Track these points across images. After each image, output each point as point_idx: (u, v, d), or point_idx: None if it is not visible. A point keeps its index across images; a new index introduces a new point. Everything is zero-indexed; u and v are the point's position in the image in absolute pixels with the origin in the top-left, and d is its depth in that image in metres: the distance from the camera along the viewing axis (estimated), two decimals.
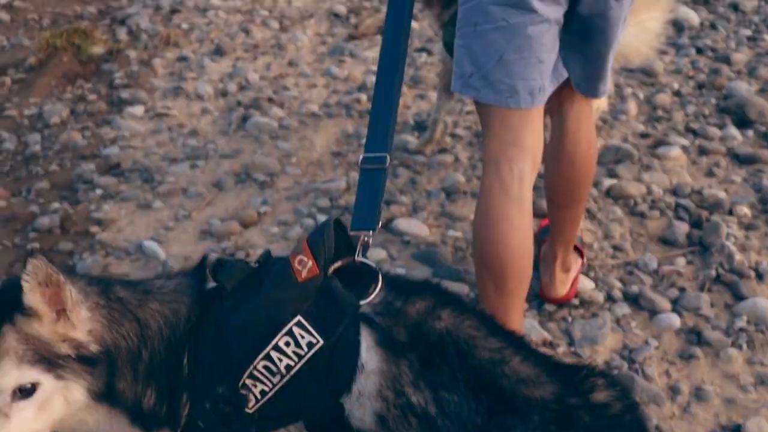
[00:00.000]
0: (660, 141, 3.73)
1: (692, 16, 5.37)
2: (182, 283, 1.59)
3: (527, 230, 2.05)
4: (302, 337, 1.43)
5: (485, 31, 1.93)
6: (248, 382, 1.45)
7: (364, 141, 3.49)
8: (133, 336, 1.49)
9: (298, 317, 1.43)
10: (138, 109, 4.23)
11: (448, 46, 2.77)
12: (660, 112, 4.07)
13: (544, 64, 1.98)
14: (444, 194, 3.35)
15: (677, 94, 4.31)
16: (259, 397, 1.46)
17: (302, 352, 1.43)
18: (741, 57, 4.73)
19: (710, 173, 3.50)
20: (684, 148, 3.66)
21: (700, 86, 4.40)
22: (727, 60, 4.68)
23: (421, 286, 1.58)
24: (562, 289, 2.62)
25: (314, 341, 1.43)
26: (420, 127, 3.91)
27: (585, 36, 2.06)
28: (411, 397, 1.41)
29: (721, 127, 3.86)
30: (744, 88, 4.21)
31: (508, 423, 1.34)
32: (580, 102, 2.31)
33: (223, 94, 4.43)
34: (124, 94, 4.43)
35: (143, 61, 5.03)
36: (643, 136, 3.82)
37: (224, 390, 1.45)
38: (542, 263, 2.64)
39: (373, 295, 1.47)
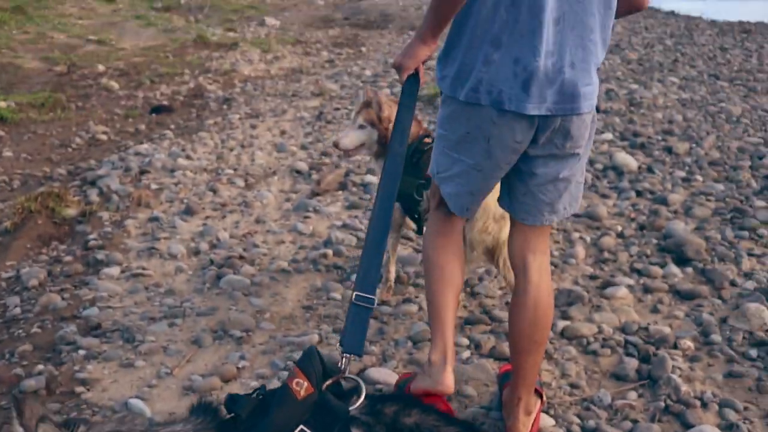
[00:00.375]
0: (607, 282, 4.02)
1: (630, 162, 5.86)
2: (202, 421, 1.83)
3: (456, 261, 2.81)
4: None
5: (444, 155, 2.61)
6: None
7: (332, 294, 3.74)
8: None
9: (301, 426, 1.75)
10: (114, 270, 4.40)
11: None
12: (606, 254, 4.40)
13: (475, 197, 2.65)
14: (411, 342, 3.54)
15: (621, 236, 4.67)
16: None
17: None
18: (677, 197, 5.17)
19: (655, 310, 3.77)
20: (630, 288, 3.95)
21: (641, 227, 4.78)
22: (664, 201, 5.12)
23: (394, 395, 2.13)
24: (524, 430, 2.76)
25: None
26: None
27: (533, 172, 2.50)
28: None
29: (663, 265, 4.19)
30: (681, 227, 4.59)
31: None
32: (541, 255, 2.65)
33: (196, 252, 4.64)
34: (100, 255, 4.60)
35: (116, 221, 5.26)
36: (592, 278, 4.12)
37: None
38: (505, 407, 2.81)
39: (359, 402, 1.82)
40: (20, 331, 3.81)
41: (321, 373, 1.85)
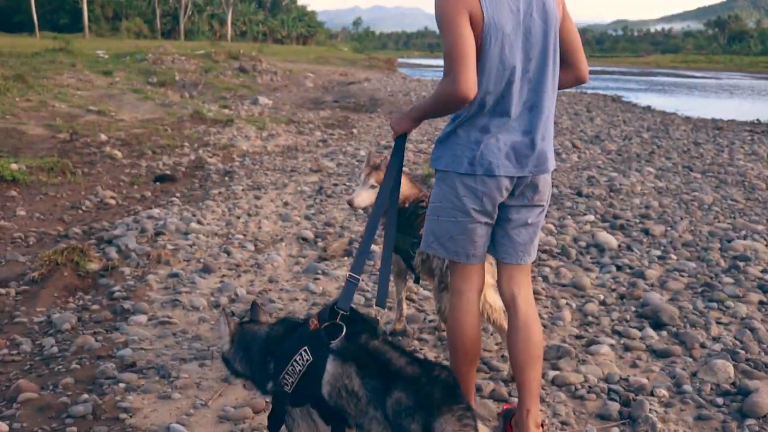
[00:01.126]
0: (592, 341, 4.49)
1: (611, 240, 6.45)
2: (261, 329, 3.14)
3: (476, 327, 3.32)
4: (303, 355, 2.78)
5: (443, 222, 3.24)
6: (286, 376, 2.82)
7: None
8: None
9: (305, 347, 2.80)
10: (141, 318, 4.79)
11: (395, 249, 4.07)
12: (590, 318, 4.90)
13: (476, 243, 3.24)
14: None
15: (603, 303, 5.18)
16: (290, 384, 2.81)
17: (303, 363, 2.78)
18: (653, 272, 5.72)
19: (634, 365, 4.22)
20: (611, 346, 4.41)
21: (621, 297, 5.30)
22: (642, 275, 5.67)
23: (365, 325, 2.83)
24: None
25: (308, 358, 2.77)
26: (391, 335, 4.58)
27: (509, 218, 3.25)
28: (345, 381, 2.66)
29: (641, 329, 4.67)
30: (657, 297, 5.11)
31: (395, 384, 2.48)
32: (525, 289, 3.34)
33: (216, 306, 5.05)
34: (126, 305, 4.99)
35: (137, 276, 5.66)
36: (578, 337, 4.59)
37: (279, 378, 2.85)
38: (517, 426, 3.28)
39: (339, 338, 2.75)
40: (60, 367, 4.16)
41: (327, 317, 2.85)
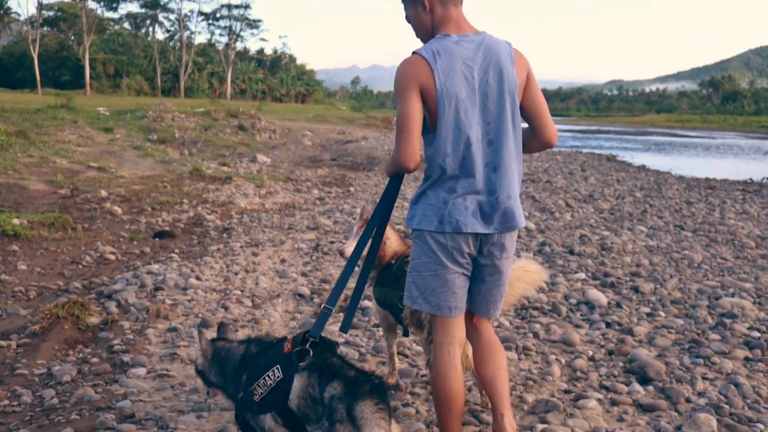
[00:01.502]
0: (579, 395, 4.59)
1: (601, 298, 6.58)
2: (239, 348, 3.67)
3: (459, 380, 3.51)
4: (275, 372, 3.26)
5: (424, 276, 3.46)
6: (257, 388, 3.29)
7: None
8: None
9: (277, 365, 3.27)
10: (140, 371, 4.89)
11: (379, 302, 4.50)
12: (578, 374, 4.99)
13: (457, 294, 3.46)
14: None
15: (592, 359, 5.29)
16: (259, 393, 3.28)
17: (274, 379, 3.25)
18: (642, 329, 5.85)
19: (620, 419, 4.31)
20: (599, 401, 4.51)
21: (610, 353, 5.41)
22: (630, 332, 5.80)
23: (329, 347, 3.31)
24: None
25: (279, 375, 3.25)
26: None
27: (483, 278, 3.51)
28: (309, 390, 3.14)
29: (628, 384, 4.77)
30: (645, 353, 5.22)
31: (341, 385, 3.04)
32: (485, 325, 3.69)
33: None
34: (125, 358, 5.11)
35: (136, 330, 5.78)
36: (566, 392, 4.69)
37: (250, 389, 3.33)
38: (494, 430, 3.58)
39: (306, 360, 3.21)
40: (60, 417, 4.26)
41: (300, 341, 3.29)
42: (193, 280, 7.08)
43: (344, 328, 3.56)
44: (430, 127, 3.38)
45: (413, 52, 3.36)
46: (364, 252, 3.63)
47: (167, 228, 10.33)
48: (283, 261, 8.23)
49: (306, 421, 3.19)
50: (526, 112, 3.48)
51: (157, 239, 9.71)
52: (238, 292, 6.85)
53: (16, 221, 9.23)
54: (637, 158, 32.02)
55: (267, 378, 3.28)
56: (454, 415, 3.53)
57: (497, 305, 3.62)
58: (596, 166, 24.23)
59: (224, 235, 9.97)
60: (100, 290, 6.89)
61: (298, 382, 3.19)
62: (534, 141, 3.56)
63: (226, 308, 6.33)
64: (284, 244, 9.14)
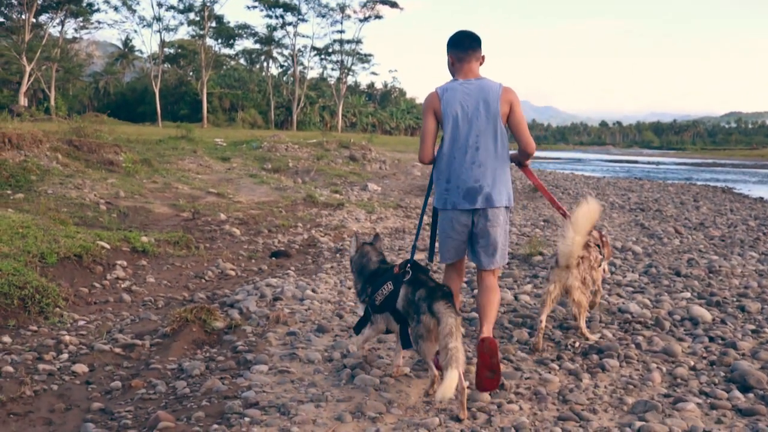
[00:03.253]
0: (679, 399, 4.73)
1: (705, 314, 6.64)
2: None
3: (457, 290, 5.45)
4: (389, 285, 4.94)
5: (441, 238, 5.27)
6: (377, 296, 5.00)
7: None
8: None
9: (390, 281, 4.95)
10: (263, 368, 5.28)
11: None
12: (679, 380, 5.13)
13: (451, 252, 5.27)
14: (514, 430, 4.32)
15: (693, 369, 5.40)
16: (379, 299, 4.97)
17: (388, 290, 4.92)
18: (746, 344, 5.88)
19: (719, 421, 4.42)
20: (698, 404, 4.64)
21: (711, 364, 5.49)
22: (734, 346, 5.84)
23: (422, 269, 4.95)
24: (486, 332, 5.06)
25: (391, 287, 4.91)
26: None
27: (477, 241, 5.17)
28: (409, 295, 4.80)
29: (728, 391, 4.87)
30: (747, 364, 5.28)
31: (425, 291, 4.70)
32: (489, 277, 5.27)
33: (330, 360, 5.51)
34: (249, 356, 5.52)
35: (258, 334, 6.20)
36: (666, 396, 4.84)
37: (373, 297, 5.04)
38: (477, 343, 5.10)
39: (408, 275, 4.90)
40: (192, 404, 4.68)
41: (406, 266, 4.97)
42: (309, 292, 7.50)
43: (430, 258, 5.70)
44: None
45: (435, 89, 5.23)
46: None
47: (283, 248, 10.81)
48: None
49: (407, 317, 4.81)
50: (511, 129, 5.18)
51: (273, 258, 10.19)
52: (352, 304, 7.21)
53: (144, 239, 9.86)
54: (755, 190, 31.17)
55: (384, 289, 4.95)
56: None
57: (490, 260, 5.19)
58: (710, 197, 23.77)
59: (337, 255, 10.38)
60: (222, 300, 7.36)
61: (402, 291, 4.86)
62: (520, 150, 5.30)
63: (340, 316, 6.70)
64: (395, 263, 9.45)
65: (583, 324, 6.02)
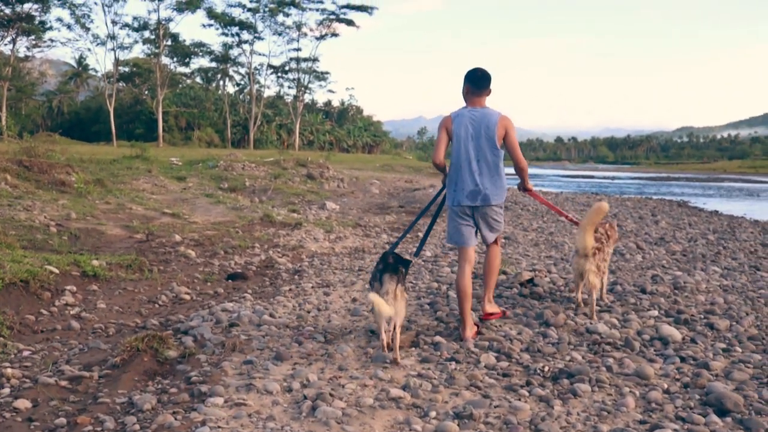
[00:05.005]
0: (655, 425, 4.55)
1: (675, 333, 6.52)
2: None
3: (468, 282, 6.67)
4: (378, 265, 6.25)
5: (450, 227, 6.90)
6: (375, 271, 6.26)
7: (414, 426, 4.33)
8: None
9: (381, 263, 6.28)
10: (218, 400, 4.99)
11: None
12: (653, 405, 4.95)
13: (464, 235, 6.80)
14: None
15: (667, 392, 5.23)
16: (374, 273, 6.31)
17: (378, 267, 6.25)
18: (718, 364, 5.76)
19: None
20: (675, 431, 4.47)
21: (685, 386, 5.34)
22: (706, 366, 5.71)
23: (402, 259, 6.38)
24: (489, 308, 7.13)
25: (381, 266, 6.19)
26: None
27: (480, 227, 6.81)
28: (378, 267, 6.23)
29: (704, 415, 4.72)
30: (722, 386, 5.14)
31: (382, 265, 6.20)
32: (493, 247, 7.04)
33: (289, 390, 5.23)
34: (203, 388, 5.22)
35: (213, 363, 5.91)
36: (641, 422, 4.67)
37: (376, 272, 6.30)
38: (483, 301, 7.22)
39: (389, 261, 6.20)
40: None
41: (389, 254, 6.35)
42: (266, 317, 7.23)
43: (416, 254, 7.42)
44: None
45: (449, 114, 6.81)
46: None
47: (240, 270, 10.53)
48: (354, 300, 8.32)
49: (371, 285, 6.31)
50: (507, 149, 6.71)
51: (230, 281, 9.90)
52: (311, 329, 6.95)
53: (95, 262, 9.52)
54: (710, 204, 31.51)
55: (377, 266, 6.28)
56: (466, 301, 6.67)
57: (490, 238, 6.90)
58: (667, 211, 23.91)
59: (296, 276, 10.13)
60: (176, 327, 7.06)
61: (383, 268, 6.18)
62: (514, 166, 6.85)
63: (299, 343, 6.43)
64: (355, 285, 9.24)
65: (594, 305, 7.36)
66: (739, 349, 6.23)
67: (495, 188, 6.64)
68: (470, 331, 6.60)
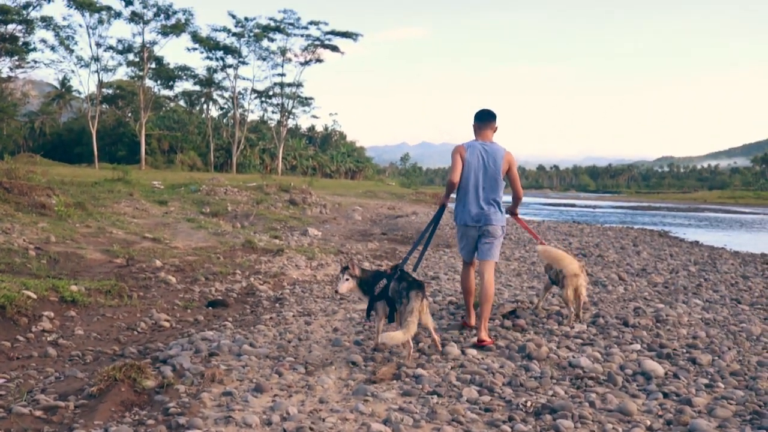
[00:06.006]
0: None
1: (657, 368, 6.50)
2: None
3: (472, 281, 8.05)
4: (383, 282, 7.01)
5: (460, 243, 7.98)
6: (376, 288, 7.04)
7: None
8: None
9: (384, 279, 7.04)
10: None
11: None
12: None
13: (470, 252, 7.89)
14: None
15: (650, 429, 5.19)
16: (377, 291, 7.02)
17: (383, 285, 7.00)
18: (701, 400, 5.73)
19: None
20: None
21: (668, 423, 5.29)
22: (689, 402, 5.68)
23: (405, 273, 7.03)
24: (484, 336, 7.52)
25: (386, 283, 6.99)
26: None
27: (482, 243, 7.74)
28: (394, 288, 6.90)
29: None
30: (705, 423, 5.10)
31: (406, 284, 6.82)
32: (488, 270, 7.71)
33: (268, 423, 5.15)
34: (181, 420, 5.12)
35: (192, 394, 5.81)
36: None
37: (373, 289, 7.08)
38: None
39: (395, 276, 6.97)
40: None
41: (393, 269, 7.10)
42: (246, 347, 7.14)
43: (414, 269, 7.82)
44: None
45: (462, 144, 7.71)
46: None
47: (220, 297, 10.44)
48: (335, 330, 8.25)
49: (396, 302, 6.82)
50: (509, 180, 7.80)
51: (210, 308, 9.81)
52: (292, 359, 6.88)
53: (74, 288, 9.41)
54: (690, 234, 31.67)
55: (380, 284, 6.97)
56: (470, 296, 8.04)
57: (488, 254, 7.69)
58: (648, 241, 23.99)
59: (277, 304, 10.05)
60: (155, 355, 6.96)
61: (391, 285, 6.89)
62: (513, 195, 8.13)
63: (280, 374, 6.35)
64: (336, 314, 9.18)
65: (578, 313, 8.74)
66: (722, 385, 6.20)
67: (496, 212, 7.65)
68: (473, 320, 8.04)
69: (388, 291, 6.86)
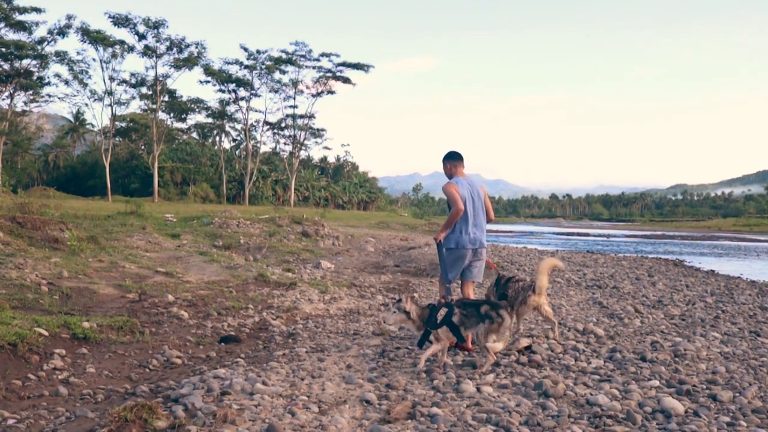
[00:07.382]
0: None
1: (677, 406, 6.33)
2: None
3: (472, 294, 9.39)
4: (443, 310, 7.96)
5: (451, 266, 8.91)
6: (438, 317, 7.94)
7: None
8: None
9: (444, 307, 8.01)
10: None
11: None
12: None
13: (456, 272, 8.99)
14: None
15: None
16: (435, 321, 7.89)
17: (444, 313, 7.92)
18: None
19: None
20: None
21: None
22: None
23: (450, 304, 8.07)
24: (469, 345, 8.47)
25: (447, 310, 7.93)
26: None
27: (473, 264, 9.12)
28: (464, 312, 7.88)
29: None
30: None
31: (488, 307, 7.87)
32: (470, 286, 9.28)
33: None
34: None
35: None
36: None
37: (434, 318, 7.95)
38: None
39: (450, 302, 8.14)
40: None
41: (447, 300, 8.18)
42: (259, 385, 7.05)
43: (447, 281, 8.62)
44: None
45: (453, 181, 8.97)
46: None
47: (233, 333, 10.38)
48: (349, 367, 8.15)
49: (461, 327, 7.79)
50: (484, 206, 9.05)
51: (222, 344, 9.74)
52: (305, 398, 6.78)
53: (86, 324, 9.37)
54: (705, 263, 31.44)
55: (440, 313, 7.83)
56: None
57: (477, 275, 9.14)
58: (663, 271, 23.81)
59: (289, 340, 9.96)
60: (167, 394, 6.88)
61: (456, 312, 7.81)
62: (486, 216, 9.12)
63: (293, 414, 6.25)
64: (350, 350, 9.08)
65: (557, 330, 9.69)
66: (744, 423, 6.04)
67: (484, 236, 9.14)
68: (471, 345, 8.75)
69: (450, 318, 7.80)
